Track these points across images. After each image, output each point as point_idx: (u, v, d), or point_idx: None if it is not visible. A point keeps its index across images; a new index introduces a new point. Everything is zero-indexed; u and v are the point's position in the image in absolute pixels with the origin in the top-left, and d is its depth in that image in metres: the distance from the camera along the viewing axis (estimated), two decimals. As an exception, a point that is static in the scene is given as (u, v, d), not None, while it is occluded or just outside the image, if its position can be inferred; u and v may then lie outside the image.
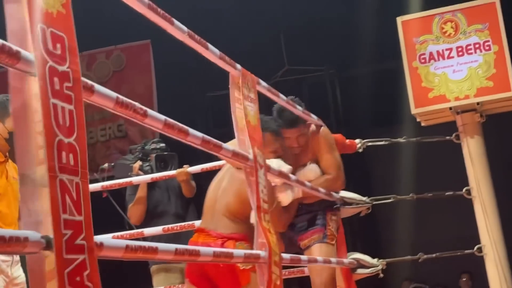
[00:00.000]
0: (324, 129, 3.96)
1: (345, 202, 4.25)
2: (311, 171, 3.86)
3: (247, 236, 3.25)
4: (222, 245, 3.20)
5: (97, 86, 1.71)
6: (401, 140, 4.84)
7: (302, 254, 3.79)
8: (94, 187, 4.40)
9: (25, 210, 1.48)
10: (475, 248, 4.67)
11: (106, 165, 4.96)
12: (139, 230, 4.37)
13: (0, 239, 1.33)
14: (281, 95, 3.40)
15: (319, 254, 3.73)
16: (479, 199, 4.69)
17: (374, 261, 4.28)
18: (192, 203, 4.89)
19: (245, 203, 3.45)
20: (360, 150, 4.63)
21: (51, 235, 1.43)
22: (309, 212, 3.93)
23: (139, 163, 4.81)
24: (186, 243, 3.37)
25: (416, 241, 8.65)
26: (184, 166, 4.61)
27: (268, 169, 2.91)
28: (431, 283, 8.22)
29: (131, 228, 4.71)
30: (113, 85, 9.39)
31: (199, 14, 8.62)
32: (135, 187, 4.79)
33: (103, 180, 4.69)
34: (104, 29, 8.93)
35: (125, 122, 9.54)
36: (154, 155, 4.83)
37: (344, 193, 4.28)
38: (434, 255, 4.76)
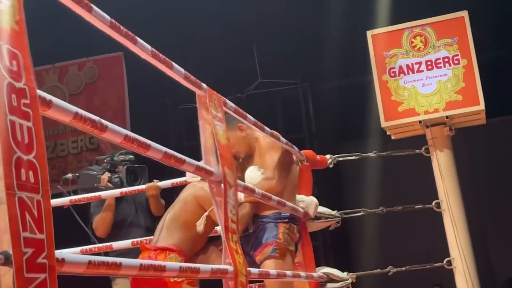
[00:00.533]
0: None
1: (315, 216, 4.25)
2: (248, 176, 3.81)
3: (182, 250, 3.40)
4: (155, 257, 3.27)
5: (56, 100, 1.69)
6: (371, 154, 4.86)
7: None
8: (61, 201, 4.35)
9: (-18, 227, 1.46)
10: (445, 261, 4.69)
11: (69, 175, 4.86)
12: (108, 244, 4.33)
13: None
14: (249, 116, 3.39)
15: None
16: (449, 212, 4.71)
17: (344, 274, 4.28)
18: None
19: (189, 211, 3.53)
20: (331, 166, 4.63)
21: (10, 251, 1.41)
22: (262, 224, 3.91)
23: (107, 174, 4.74)
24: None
25: (386, 254, 8.70)
26: (154, 180, 4.55)
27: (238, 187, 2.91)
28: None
29: (94, 242, 4.66)
30: (85, 97, 9.35)
31: (174, 27, 8.61)
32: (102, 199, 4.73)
33: (68, 192, 4.63)
34: (77, 41, 8.88)
35: (97, 135, 9.48)
36: (124, 166, 4.76)
37: (314, 207, 4.28)
38: (403, 268, 4.78)
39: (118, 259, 1.90)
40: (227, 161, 2.79)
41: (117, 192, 4.46)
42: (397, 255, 8.28)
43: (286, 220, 3.88)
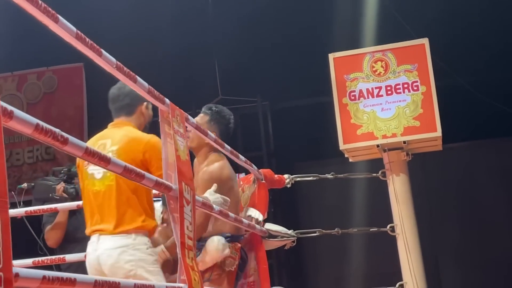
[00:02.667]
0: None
1: (270, 235, 4.26)
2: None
3: None
4: None
5: (17, 112, 1.68)
6: (328, 176, 4.89)
7: None
8: (17, 212, 4.30)
9: None
10: (397, 285, 4.73)
11: (25, 184, 4.81)
12: (61, 256, 4.28)
13: None
14: (210, 133, 3.40)
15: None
16: (402, 236, 4.76)
17: (298, 295, 4.30)
18: None
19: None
20: (289, 186, 4.66)
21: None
22: (201, 248, 3.91)
23: (62, 184, 4.72)
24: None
25: (339, 275, 8.73)
26: None
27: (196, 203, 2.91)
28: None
29: (44, 252, 4.62)
30: (43, 106, 9.26)
31: (134, 40, 8.59)
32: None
33: (21, 202, 4.58)
34: (37, 50, 8.81)
35: (53, 145, 9.40)
36: None
37: (270, 226, 4.30)
38: (356, 291, 4.81)
39: (73, 275, 1.88)
40: (185, 177, 2.79)
41: (73, 205, 4.43)
42: (350, 277, 8.31)
43: (225, 239, 3.89)
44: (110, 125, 3.50)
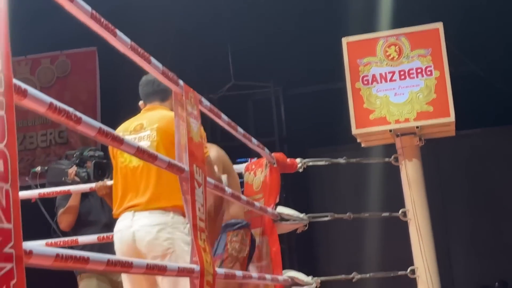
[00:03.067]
0: None
1: (282, 218, 4.26)
2: None
3: None
4: None
5: (31, 90, 1.68)
6: (341, 160, 4.88)
7: None
8: (30, 194, 4.34)
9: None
10: (408, 270, 4.72)
11: (38, 168, 4.84)
12: (74, 238, 4.31)
13: None
14: (223, 116, 3.39)
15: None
16: (414, 222, 4.74)
17: (309, 279, 4.30)
18: None
19: None
20: (301, 170, 4.65)
21: (-23, 240, 1.41)
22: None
23: (74, 168, 4.74)
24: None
25: (351, 261, 8.74)
26: (105, 179, 4.54)
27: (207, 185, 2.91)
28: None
29: (57, 235, 4.65)
30: (56, 91, 9.28)
31: (147, 25, 8.58)
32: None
33: (36, 186, 4.62)
34: (50, 34, 8.82)
35: (66, 129, 9.43)
36: (92, 162, 4.76)
37: (282, 209, 4.30)
38: (368, 275, 4.80)
39: (85, 253, 1.89)
40: (197, 160, 2.79)
41: (86, 187, 4.46)
42: (362, 262, 8.32)
43: (234, 227, 3.90)
44: (143, 110, 3.51)
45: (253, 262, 4.06)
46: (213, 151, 3.83)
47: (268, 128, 10.59)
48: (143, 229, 3.15)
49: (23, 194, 4.31)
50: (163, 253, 3.12)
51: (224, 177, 3.74)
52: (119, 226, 3.27)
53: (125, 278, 3.29)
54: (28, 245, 1.60)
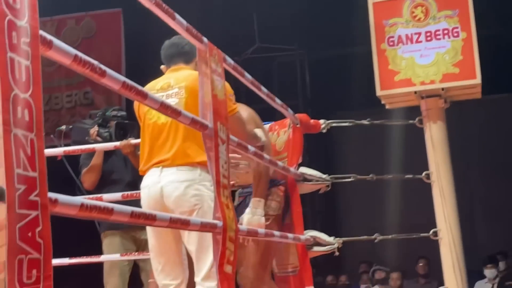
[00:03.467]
0: None
1: (305, 178, 4.27)
2: None
3: None
4: None
5: (56, 42, 1.70)
6: (365, 122, 4.85)
7: None
8: (55, 152, 4.40)
9: (-22, 160, 1.48)
10: (431, 232, 4.71)
11: (63, 127, 4.88)
12: (98, 195, 4.35)
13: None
14: (247, 74, 3.39)
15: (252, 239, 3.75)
16: (438, 184, 4.72)
17: (331, 239, 4.32)
18: None
19: None
20: (324, 131, 4.64)
21: (4, 187, 1.43)
22: (248, 194, 3.97)
23: (95, 128, 4.77)
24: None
25: (373, 223, 8.78)
26: (129, 138, 4.57)
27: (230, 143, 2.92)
28: (389, 267, 8.30)
29: (82, 193, 4.70)
30: (81, 51, 9.20)
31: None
32: (91, 152, 4.77)
33: (61, 144, 4.67)
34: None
35: (92, 90, 9.49)
36: (114, 122, 4.79)
37: (304, 170, 4.30)
38: (390, 236, 4.81)
39: (110, 205, 1.91)
40: (220, 117, 2.80)
41: (110, 145, 4.49)
42: (384, 224, 8.33)
43: (270, 185, 3.93)
44: (169, 70, 3.51)
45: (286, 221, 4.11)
46: (244, 109, 3.84)
47: (292, 91, 10.58)
48: (171, 185, 3.18)
49: (48, 152, 4.37)
50: (190, 209, 3.15)
51: (259, 131, 3.74)
52: (146, 181, 3.30)
53: (150, 234, 3.33)
54: (53, 194, 1.62)
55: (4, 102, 1.45)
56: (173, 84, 3.34)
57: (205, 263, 3.10)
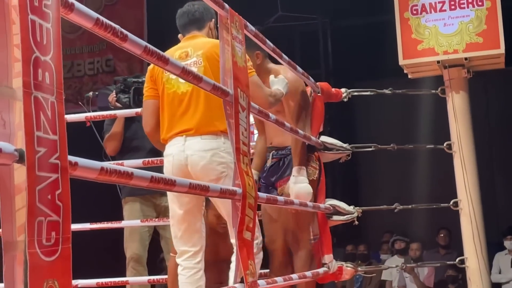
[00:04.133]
0: None
1: (326, 147, 4.27)
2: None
3: None
4: None
5: (78, 5, 1.69)
6: (387, 91, 4.84)
7: None
8: (78, 117, 4.47)
9: (0, 120, 1.48)
10: (451, 202, 4.70)
11: (90, 93, 4.94)
12: (119, 162, 4.38)
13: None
14: (268, 42, 3.38)
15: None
16: (459, 154, 4.71)
17: (350, 208, 4.32)
18: None
19: None
20: (346, 100, 4.63)
21: (24, 149, 1.44)
22: (282, 157, 3.97)
23: (113, 95, 4.79)
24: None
25: (393, 194, 8.76)
26: None
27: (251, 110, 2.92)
28: (410, 238, 8.30)
29: (108, 159, 4.75)
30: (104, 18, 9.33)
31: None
32: (114, 118, 4.80)
33: (89, 110, 4.73)
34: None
35: (113, 57, 9.50)
36: (133, 87, 4.80)
37: (325, 138, 4.30)
38: (410, 206, 4.80)
39: (130, 169, 1.92)
40: (241, 84, 2.80)
41: (131, 111, 4.51)
42: (405, 195, 8.30)
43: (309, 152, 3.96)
44: (184, 39, 3.52)
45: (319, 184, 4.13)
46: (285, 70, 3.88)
47: (315, 60, 10.52)
48: (197, 154, 3.21)
49: (72, 117, 4.43)
50: (217, 177, 3.18)
51: (278, 82, 3.69)
52: (170, 150, 3.31)
53: (171, 201, 3.35)
54: (73, 157, 1.63)
55: (25, 64, 1.45)
56: (191, 53, 3.35)
57: None
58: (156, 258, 6.02)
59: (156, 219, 4.74)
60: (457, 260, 4.58)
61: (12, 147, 1.42)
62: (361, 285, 8.05)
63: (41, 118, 1.48)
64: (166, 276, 4.10)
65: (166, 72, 3.28)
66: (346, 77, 9.61)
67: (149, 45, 2.07)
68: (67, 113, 1.60)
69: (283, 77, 3.74)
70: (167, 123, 3.36)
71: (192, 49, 3.36)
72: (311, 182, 3.91)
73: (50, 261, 1.46)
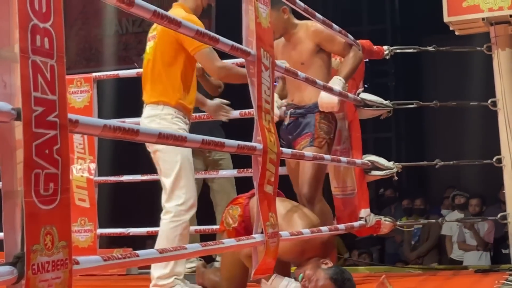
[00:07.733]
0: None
1: (366, 104, 4.33)
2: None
3: None
4: None
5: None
6: (430, 48, 4.84)
7: None
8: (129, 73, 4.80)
9: (1, 82, 1.64)
10: (494, 159, 4.69)
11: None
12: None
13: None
14: (298, 1, 3.44)
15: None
16: (503, 111, 4.68)
17: (390, 164, 4.38)
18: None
19: None
20: (387, 57, 4.66)
21: (20, 107, 1.58)
22: (299, 116, 4.05)
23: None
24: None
25: (433, 151, 8.73)
26: None
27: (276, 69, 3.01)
28: (471, 193, 8.26)
29: None
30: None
31: None
32: None
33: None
34: None
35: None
36: None
37: (365, 95, 4.36)
38: (451, 162, 4.82)
39: (136, 126, 2.05)
40: (265, 44, 2.88)
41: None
42: (445, 152, 8.24)
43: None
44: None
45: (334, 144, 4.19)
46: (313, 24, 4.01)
47: (381, 16, 10.47)
48: (142, 121, 3.57)
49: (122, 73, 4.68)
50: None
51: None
52: None
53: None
54: (74, 115, 1.77)
55: (22, 31, 1.59)
56: (156, 26, 3.64)
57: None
58: (205, 210, 6.19)
59: (204, 172, 4.89)
60: (498, 216, 4.59)
61: (9, 106, 1.57)
62: (419, 239, 8.10)
63: (38, 80, 1.61)
64: (217, 226, 4.21)
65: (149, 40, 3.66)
66: (414, 32, 9.51)
67: (158, 9, 2.17)
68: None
69: (338, 79, 3.96)
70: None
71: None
72: (327, 140, 3.99)
73: (48, 209, 1.61)
